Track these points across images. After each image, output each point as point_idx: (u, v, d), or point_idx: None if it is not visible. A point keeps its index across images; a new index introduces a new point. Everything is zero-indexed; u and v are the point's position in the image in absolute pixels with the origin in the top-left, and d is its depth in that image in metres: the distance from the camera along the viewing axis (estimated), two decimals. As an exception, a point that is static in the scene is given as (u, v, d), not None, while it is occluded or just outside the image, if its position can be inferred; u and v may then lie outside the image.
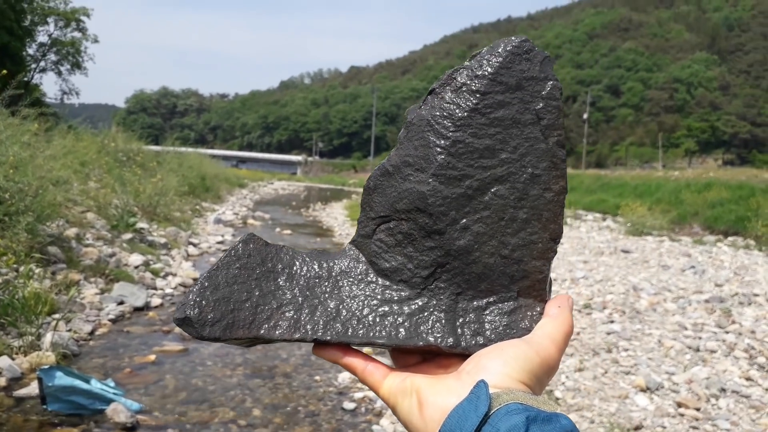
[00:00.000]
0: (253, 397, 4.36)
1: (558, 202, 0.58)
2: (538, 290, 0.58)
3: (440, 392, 0.52)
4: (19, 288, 5.11)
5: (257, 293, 0.58)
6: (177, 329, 5.57)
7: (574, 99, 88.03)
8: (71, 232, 7.59)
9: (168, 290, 7.29)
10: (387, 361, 0.63)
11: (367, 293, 0.60)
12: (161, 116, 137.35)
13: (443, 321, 0.58)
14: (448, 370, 0.56)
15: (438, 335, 0.57)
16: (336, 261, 0.61)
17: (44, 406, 3.87)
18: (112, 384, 4.18)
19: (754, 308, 6.95)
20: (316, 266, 0.61)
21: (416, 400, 0.53)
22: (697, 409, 4.32)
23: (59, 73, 29.68)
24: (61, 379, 3.88)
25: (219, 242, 11.52)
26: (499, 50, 0.58)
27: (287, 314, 0.58)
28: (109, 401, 3.93)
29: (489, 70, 0.57)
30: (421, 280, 0.59)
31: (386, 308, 0.59)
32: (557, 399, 4.47)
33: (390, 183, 0.59)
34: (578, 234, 15.65)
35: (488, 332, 0.57)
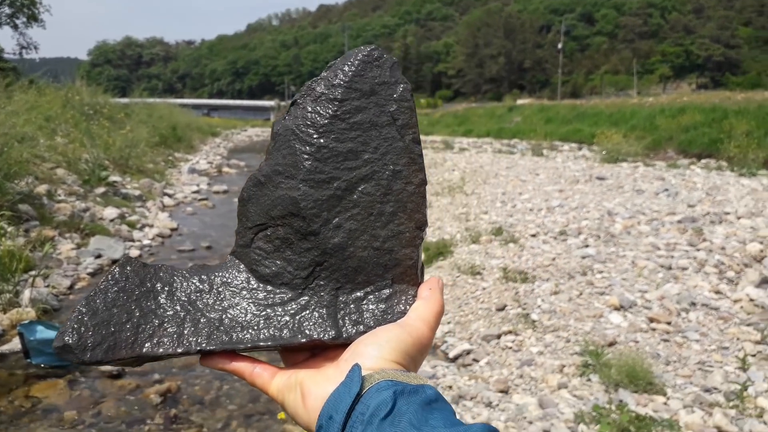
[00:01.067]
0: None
1: (420, 194, 0.62)
2: (411, 275, 0.62)
3: (320, 382, 0.54)
4: (-8, 246, 5.05)
5: (138, 314, 0.59)
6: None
7: (548, 29, 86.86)
8: (42, 188, 7.46)
9: (146, 241, 7.26)
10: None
11: (250, 300, 0.61)
12: (127, 67, 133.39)
13: (325, 316, 0.60)
14: (334, 361, 0.58)
15: (320, 330, 0.59)
16: (217, 273, 0.63)
17: (28, 360, 3.89)
18: (94, 334, 4.19)
19: (725, 226, 7.11)
20: (196, 281, 0.62)
21: (300, 393, 0.55)
22: (668, 323, 4.48)
23: (15, 27, 28.45)
24: (42, 332, 3.89)
25: (195, 192, 11.42)
26: (351, 60, 0.62)
27: (169, 330, 0.59)
28: (92, 351, 3.95)
29: (344, 78, 0.61)
30: (302, 281, 0.61)
31: (269, 311, 0.60)
32: (533, 321, 4.60)
33: (263, 192, 0.62)
34: (554, 164, 15.75)
35: (368, 320, 0.60)
